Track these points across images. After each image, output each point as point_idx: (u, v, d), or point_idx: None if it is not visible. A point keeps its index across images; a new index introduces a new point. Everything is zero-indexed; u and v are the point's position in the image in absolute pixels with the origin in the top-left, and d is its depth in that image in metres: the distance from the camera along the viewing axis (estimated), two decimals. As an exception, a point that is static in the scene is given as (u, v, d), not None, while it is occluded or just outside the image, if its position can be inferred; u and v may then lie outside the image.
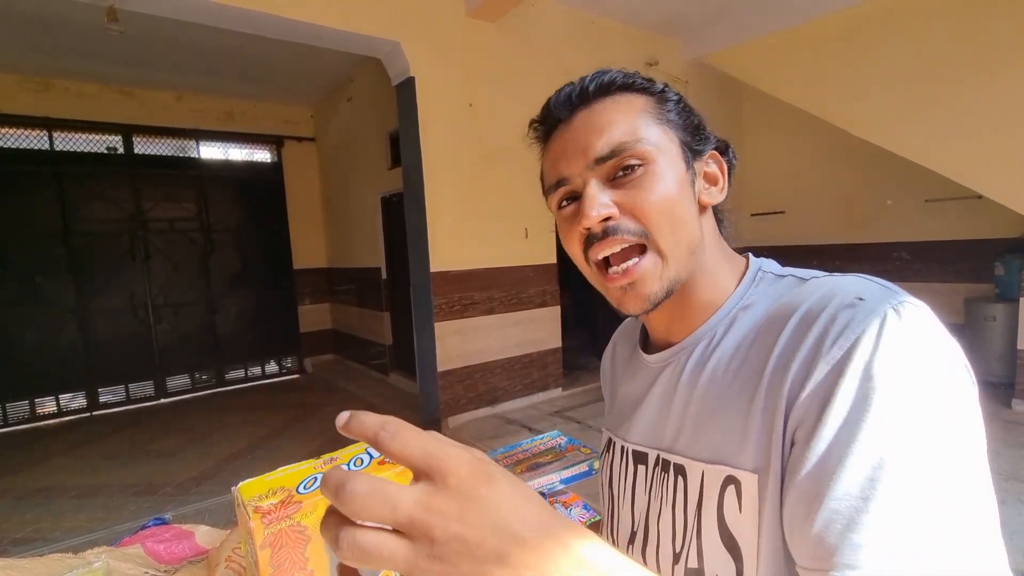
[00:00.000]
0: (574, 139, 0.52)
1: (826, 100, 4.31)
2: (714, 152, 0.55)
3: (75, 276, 4.86)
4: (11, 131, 4.59)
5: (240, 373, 5.87)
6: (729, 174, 0.57)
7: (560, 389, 4.61)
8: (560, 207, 0.54)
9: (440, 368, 3.88)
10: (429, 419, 3.92)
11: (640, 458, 0.57)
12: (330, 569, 0.31)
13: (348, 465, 0.59)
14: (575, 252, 0.54)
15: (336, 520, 0.25)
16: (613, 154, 0.49)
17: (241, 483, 0.55)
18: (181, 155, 5.46)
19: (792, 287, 0.49)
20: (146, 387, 5.26)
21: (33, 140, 4.69)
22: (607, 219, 0.49)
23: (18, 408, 4.67)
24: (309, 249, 6.39)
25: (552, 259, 4.45)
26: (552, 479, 0.87)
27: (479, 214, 4.00)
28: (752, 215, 5.86)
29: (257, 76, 5.09)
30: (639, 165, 0.49)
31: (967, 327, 4.05)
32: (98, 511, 2.92)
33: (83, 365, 4.91)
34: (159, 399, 5.29)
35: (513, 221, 4.16)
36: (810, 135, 5.15)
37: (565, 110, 0.53)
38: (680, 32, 4.92)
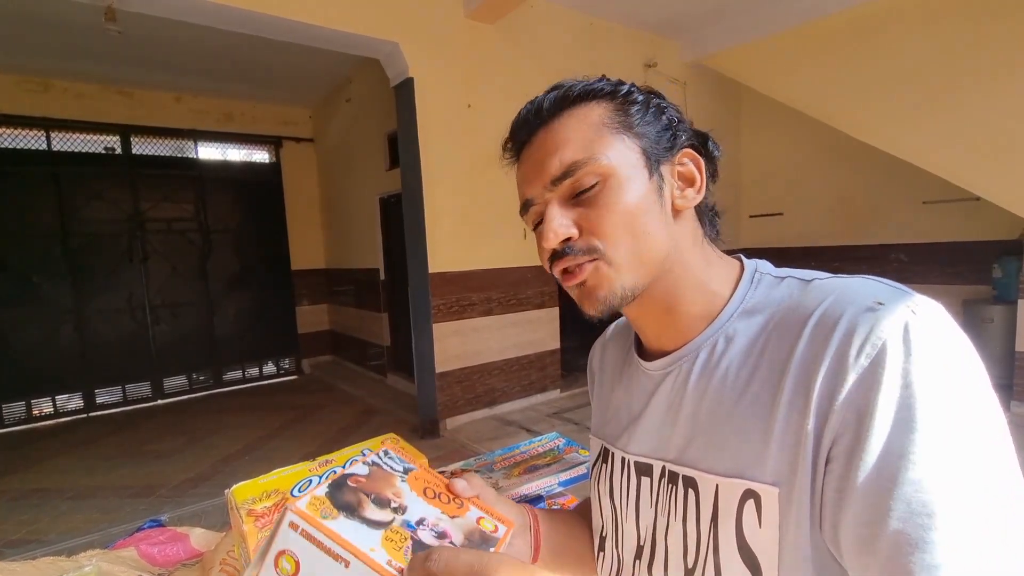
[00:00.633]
0: (535, 159, 0.52)
1: (824, 102, 4.32)
2: (688, 150, 0.53)
3: (73, 276, 4.84)
4: (9, 131, 4.57)
5: (238, 374, 5.85)
6: (712, 169, 0.54)
7: (558, 391, 4.61)
8: (535, 227, 0.55)
9: (438, 369, 3.88)
10: (427, 420, 3.92)
11: (644, 470, 0.55)
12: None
13: (344, 466, 0.58)
14: (546, 267, 0.55)
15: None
16: (567, 175, 0.49)
17: (235, 486, 0.54)
18: (179, 156, 5.45)
19: (796, 290, 0.48)
20: (143, 388, 5.24)
21: (31, 140, 4.68)
22: (568, 239, 0.50)
23: (15, 408, 4.65)
24: (307, 250, 6.39)
25: (551, 260, 4.44)
26: (550, 481, 0.87)
27: (477, 215, 4.00)
28: (750, 216, 5.87)
29: (256, 77, 5.08)
30: (596, 183, 0.49)
31: (965, 329, 4.01)
32: (94, 512, 2.91)
33: (80, 366, 4.89)
34: (156, 400, 5.27)
35: (511, 222, 4.16)
36: (808, 137, 5.16)
37: (525, 132, 0.53)
38: (678, 34, 4.93)
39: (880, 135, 4.02)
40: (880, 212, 4.81)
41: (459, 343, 3.98)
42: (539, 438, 1.03)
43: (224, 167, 5.74)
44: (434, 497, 0.41)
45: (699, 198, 0.53)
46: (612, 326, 0.73)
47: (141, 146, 5.21)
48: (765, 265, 0.54)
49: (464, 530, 0.40)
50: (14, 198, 4.58)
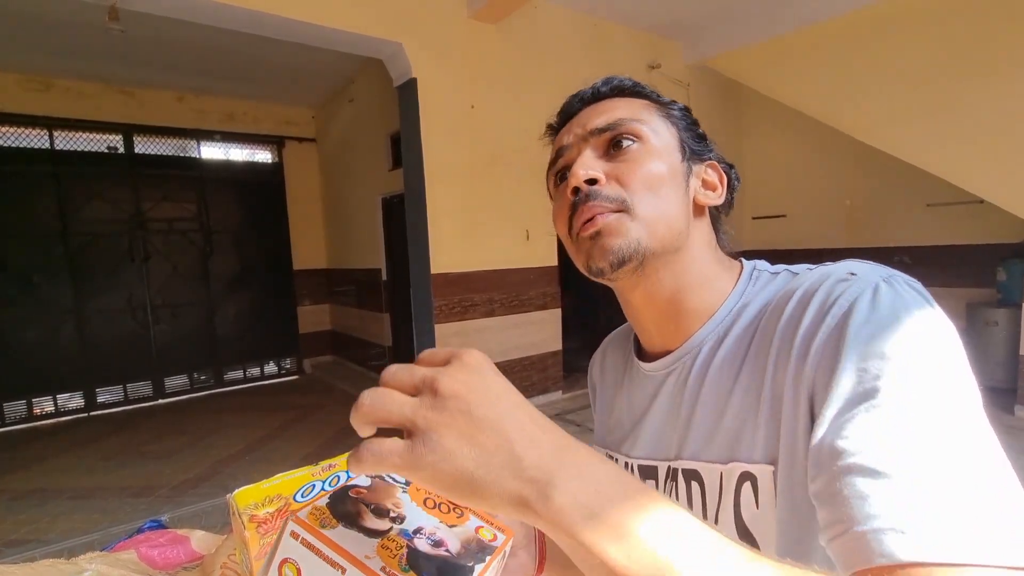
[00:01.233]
0: (579, 120, 0.55)
1: (828, 103, 4.31)
2: (714, 162, 0.57)
3: (74, 276, 4.84)
4: (11, 130, 4.58)
5: (239, 374, 5.85)
6: (730, 190, 0.58)
7: (560, 392, 4.60)
8: (556, 184, 0.56)
9: (440, 370, 3.87)
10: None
11: (649, 473, 0.55)
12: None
13: (348, 473, 0.58)
14: (562, 229, 0.55)
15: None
16: (610, 127, 0.52)
17: (237, 491, 0.53)
18: (182, 155, 5.45)
19: (788, 280, 0.51)
20: (144, 387, 5.24)
21: (33, 139, 4.68)
22: (593, 182, 0.50)
23: (15, 408, 4.65)
24: (309, 250, 6.38)
25: (553, 261, 4.44)
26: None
27: (480, 216, 3.99)
28: (753, 218, 5.86)
29: (258, 77, 5.08)
30: (633, 141, 0.51)
31: (969, 332, 4.03)
32: (94, 513, 2.90)
33: (81, 365, 4.88)
34: (157, 399, 5.27)
35: (514, 223, 4.15)
36: (811, 138, 5.15)
37: (578, 104, 0.57)
38: (681, 35, 4.93)
39: (883, 137, 4.02)
40: (883, 214, 4.80)
41: (461, 344, 3.96)
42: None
43: (226, 167, 5.74)
44: (434, 507, 0.41)
45: (718, 201, 0.56)
46: (608, 338, 0.73)
47: (143, 145, 5.21)
48: (762, 263, 0.57)
49: (462, 538, 0.40)
50: (16, 197, 4.58)
